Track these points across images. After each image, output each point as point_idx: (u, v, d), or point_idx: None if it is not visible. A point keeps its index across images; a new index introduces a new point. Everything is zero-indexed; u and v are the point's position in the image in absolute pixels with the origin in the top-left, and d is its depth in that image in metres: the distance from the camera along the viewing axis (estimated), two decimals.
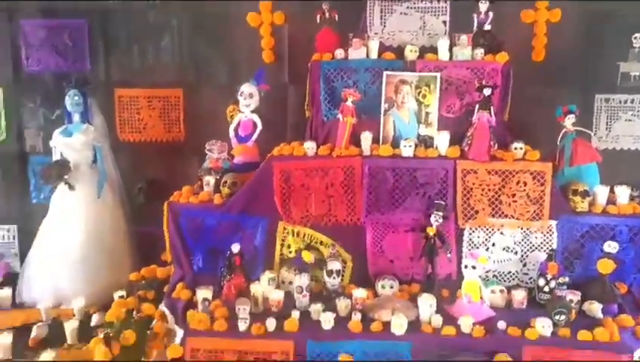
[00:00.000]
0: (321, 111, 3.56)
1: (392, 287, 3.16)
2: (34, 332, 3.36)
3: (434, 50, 3.52)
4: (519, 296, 3.02)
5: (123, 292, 3.52)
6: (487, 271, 3.21)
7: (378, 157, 3.28)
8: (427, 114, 3.41)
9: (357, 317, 2.82)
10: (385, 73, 3.41)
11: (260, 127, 3.65)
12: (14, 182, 4.42)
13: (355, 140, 3.35)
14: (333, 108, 3.50)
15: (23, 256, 4.24)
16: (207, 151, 3.70)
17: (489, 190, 3.22)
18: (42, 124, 4.31)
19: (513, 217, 3.22)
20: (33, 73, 4.30)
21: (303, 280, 2.97)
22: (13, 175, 4.42)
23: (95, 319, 3.57)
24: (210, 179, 3.51)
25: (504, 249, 3.27)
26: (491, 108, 3.25)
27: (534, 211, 3.21)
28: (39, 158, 4.31)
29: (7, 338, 3.15)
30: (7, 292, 3.83)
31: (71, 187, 3.84)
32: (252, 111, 3.67)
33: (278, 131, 3.95)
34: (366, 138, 3.30)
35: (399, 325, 2.72)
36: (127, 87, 4.31)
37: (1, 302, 3.76)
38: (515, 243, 3.27)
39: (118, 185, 4.14)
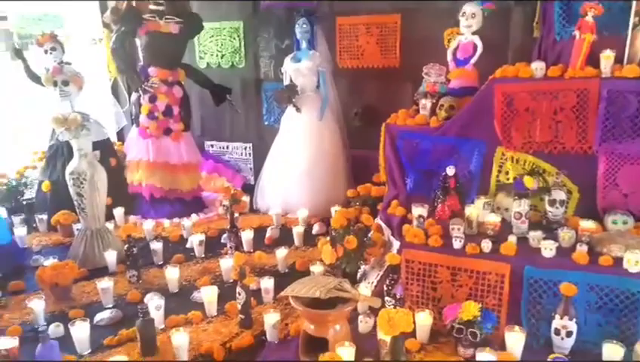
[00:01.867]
0: (554, 30, 3.24)
1: (625, 223, 2.84)
2: (269, 233, 3.93)
3: None
4: None
5: (340, 208, 3.87)
6: None
7: (620, 79, 2.88)
8: None
9: (582, 248, 2.63)
10: None
11: (480, 49, 3.47)
12: (250, 106, 4.99)
13: (592, 61, 2.99)
14: (569, 26, 3.16)
15: (256, 170, 4.91)
16: (424, 75, 3.65)
17: None
18: (274, 53, 4.75)
19: None
20: (267, 7, 4.71)
21: (522, 206, 2.85)
22: (249, 99, 4.99)
23: (316, 228, 4.01)
24: (426, 103, 3.50)
25: None
26: None
27: None
28: (271, 85, 4.81)
29: (249, 234, 3.74)
30: (246, 199, 4.50)
31: (298, 109, 4.26)
32: (473, 33, 3.52)
33: (499, 54, 3.72)
34: (607, 57, 2.91)
35: (635, 262, 2.46)
36: (347, 15, 4.47)
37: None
38: None
39: (337, 109, 4.44)
